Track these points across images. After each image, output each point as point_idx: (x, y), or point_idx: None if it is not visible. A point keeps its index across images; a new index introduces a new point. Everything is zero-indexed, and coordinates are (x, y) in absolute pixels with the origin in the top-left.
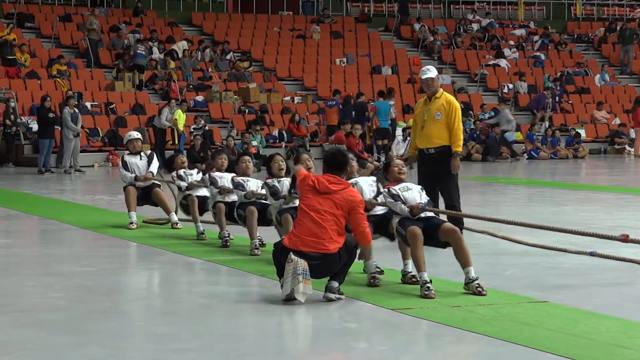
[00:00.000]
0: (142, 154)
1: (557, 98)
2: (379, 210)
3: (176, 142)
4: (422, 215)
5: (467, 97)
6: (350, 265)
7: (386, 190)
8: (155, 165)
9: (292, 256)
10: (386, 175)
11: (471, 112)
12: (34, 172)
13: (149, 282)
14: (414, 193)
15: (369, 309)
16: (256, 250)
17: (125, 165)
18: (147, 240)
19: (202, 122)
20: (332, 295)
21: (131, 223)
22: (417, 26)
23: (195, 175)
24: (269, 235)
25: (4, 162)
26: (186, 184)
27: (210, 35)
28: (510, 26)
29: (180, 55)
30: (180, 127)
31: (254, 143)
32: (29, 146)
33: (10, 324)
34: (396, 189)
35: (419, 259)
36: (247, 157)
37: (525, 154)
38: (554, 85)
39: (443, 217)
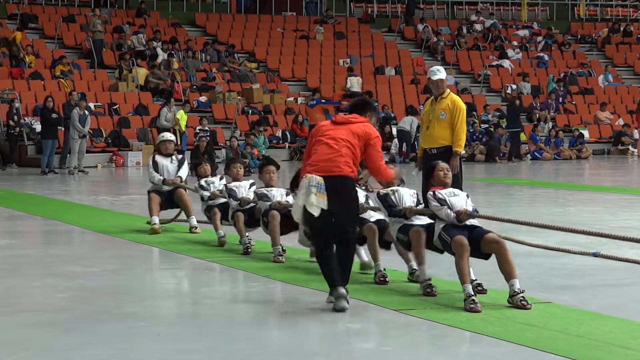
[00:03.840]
0: (173, 157)
1: (560, 99)
2: (421, 220)
3: (178, 142)
4: (467, 222)
5: (471, 97)
6: (350, 262)
7: (432, 193)
8: (185, 170)
9: (307, 174)
10: (430, 179)
11: (474, 112)
12: (38, 173)
13: (153, 283)
14: (460, 199)
15: (374, 310)
16: (280, 257)
17: (155, 166)
18: (153, 242)
19: (207, 123)
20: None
21: (154, 224)
22: (420, 27)
23: (217, 184)
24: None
25: (7, 162)
26: (209, 194)
27: (214, 36)
28: (514, 27)
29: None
30: (182, 127)
31: (259, 143)
32: (32, 147)
33: (15, 324)
34: (443, 193)
35: (464, 271)
36: (271, 168)
37: (528, 155)
38: (558, 86)
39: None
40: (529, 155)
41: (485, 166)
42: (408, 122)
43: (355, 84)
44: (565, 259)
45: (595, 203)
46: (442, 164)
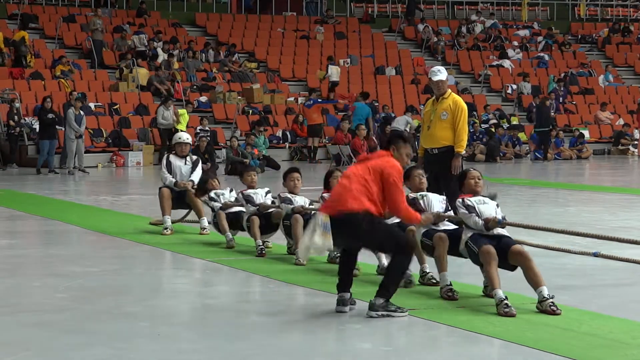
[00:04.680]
0: (187, 158)
1: (560, 99)
2: (447, 225)
3: None
4: (495, 232)
5: (471, 97)
6: (396, 277)
7: (460, 200)
8: (198, 173)
9: (317, 212)
10: (461, 187)
11: (475, 112)
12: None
13: (153, 283)
14: (489, 207)
15: None
16: (302, 260)
17: (168, 166)
18: (153, 242)
19: (207, 123)
20: (374, 314)
21: (166, 229)
22: (420, 27)
23: (227, 194)
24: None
25: (7, 162)
26: (220, 205)
27: (214, 36)
28: (514, 27)
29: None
30: (183, 127)
31: (259, 143)
32: (32, 147)
33: (15, 324)
34: (472, 200)
35: (493, 277)
36: (296, 175)
37: (529, 155)
38: (558, 86)
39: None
40: (529, 155)
41: (485, 166)
42: (402, 122)
43: (334, 72)
44: (565, 259)
45: (595, 203)
46: (474, 172)
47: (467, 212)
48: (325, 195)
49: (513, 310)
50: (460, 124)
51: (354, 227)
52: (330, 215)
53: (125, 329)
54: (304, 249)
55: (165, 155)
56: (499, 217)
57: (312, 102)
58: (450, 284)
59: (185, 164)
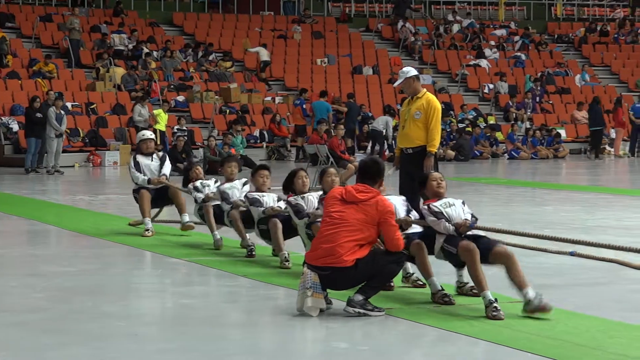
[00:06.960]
0: (154, 155)
1: (537, 98)
2: (415, 228)
3: (158, 142)
4: (469, 233)
5: (448, 97)
6: (383, 281)
7: (426, 207)
8: (167, 167)
9: (304, 269)
10: (424, 190)
11: (452, 112)
12: (15, 173)
13: (130, 283)
14: (457, 209)
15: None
16: (286, 263)
17: (137, 166)
18: (130, 242)
19: (184, 123)
20: (351, 309)
21: (147, 230)
22: (398, 26)
23: (212, 186)
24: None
25: None
26: (202, 196)
27: (192, 36)
28: (491, 26)
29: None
30: (162, 127)
31: (237, 142)
32: (9, 146)
33: None
34: (437, 205)
35: (480, 277)
36: (265, 172)
37: (505, 154)
38: (535, 86)
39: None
40: (505, 154)
41: (462, 165)
42: (382, 122)
43: (264, 53)
44: (541, 258)
45: (572, 202)
46: (435, 174)
47: (435, 218)
48: (292, 199)
49: (501, 313)
50: (432, 123)
51: (346, 277)
52: (320, 265)
53: (103, 328)
54: (298, 308)
55: (132, 156)
56: (469, 217)
57: (299, 102)
58: (443, 289)
59: (152, 161)
